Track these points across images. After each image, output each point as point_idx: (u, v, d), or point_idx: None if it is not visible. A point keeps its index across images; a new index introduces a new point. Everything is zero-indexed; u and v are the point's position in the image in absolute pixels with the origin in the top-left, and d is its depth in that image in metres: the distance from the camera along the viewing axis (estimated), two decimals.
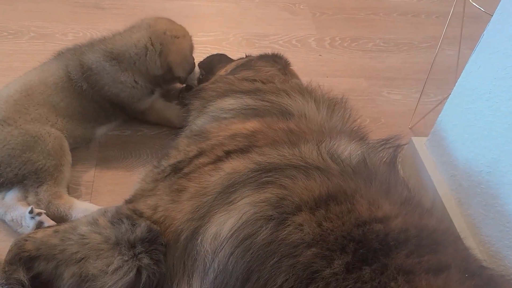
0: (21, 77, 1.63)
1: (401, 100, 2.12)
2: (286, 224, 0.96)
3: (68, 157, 1.53)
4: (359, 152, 1.19)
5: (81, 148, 1.69)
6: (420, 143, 1.59)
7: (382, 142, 1.27)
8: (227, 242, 1.00)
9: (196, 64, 1.94)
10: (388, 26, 2.60)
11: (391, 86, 2.19)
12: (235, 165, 1.17)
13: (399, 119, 2.00)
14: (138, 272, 1.09)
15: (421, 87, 1.93)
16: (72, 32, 2.27)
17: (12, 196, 1.45)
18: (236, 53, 2.20)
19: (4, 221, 1.44)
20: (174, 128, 1.76)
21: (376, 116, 2.01)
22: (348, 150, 1.20)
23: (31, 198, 1.43)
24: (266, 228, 0.97)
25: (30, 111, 1.52)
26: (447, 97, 1.50)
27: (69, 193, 1.52)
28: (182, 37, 1.70)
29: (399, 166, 1.28)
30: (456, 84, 1.42)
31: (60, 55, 1.69)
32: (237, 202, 1.05)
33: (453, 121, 1.43)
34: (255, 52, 2.05)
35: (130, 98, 1.68)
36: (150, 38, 1.62)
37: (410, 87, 2.19)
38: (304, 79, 1.77)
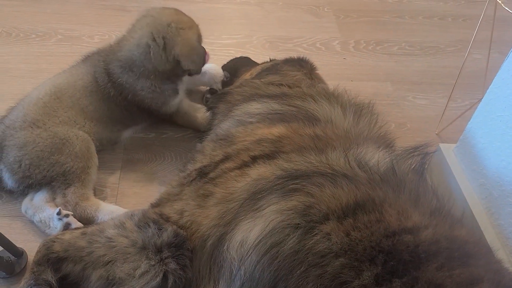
0: (50, 79, 1.66)
1: (427, 105, 2.08)
2: (314, 233, 0.96)
3: (95, 160, 1.55)
4: (387, 159, 1.18)
5: (106, 150, 1.71)
6: (448, 150, 1.57)
7: (411, 150, 1.25)
8: (253, 249, 1.00)
9: (220, 67, 1.95)
10: (414, 29, 2.57)
11: (417, 90, 2.16)
12: (262, 171, 1.16)
13: (425, 125, 1.97)
14: (165, 277, 1.10)
15: (447, 92, 1.90)
16: (99, 34, 2.30)
17: (40, 197, 1.47)
18: (259, 55, 2.20)
19: (32, 222, 1.46)
20: (199, 131, 1.76)
21: (402, 121, 1.98)
22: (375, 157, 1.18)
23: (58, 199, 1.46)
24: (293, 237, 0.97)
25: (59, 113, 1.54)
26: (476, 103, 1.47)
27: (95, 195, 1.54)
28: (188, 28, 1.61)
29: (427, 174, 1.25)
30: (487, 91, 1.39)
31: (87, 58, 1.70)
32: (264, 209, 1.05)
33: (484, 128, 1.40)
34: (279, 55, 2.04)
35: (155, 103, 1.68)
36: (152, 33, 1.56)
37: (436, 91, 2.15)
38: (329, 82, 1.76)
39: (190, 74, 1.72)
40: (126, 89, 1.62)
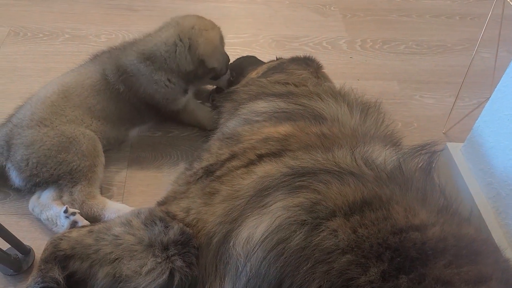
0: (58, 78, 1.66)
1: (434, 104, 2.07)
2: (320, 230, 0.96)
3: (102, 158, 1.56)
4: (394, 158, 1.17)
5: (113, 149, 1.72)
6: (455, 149, 1.56)
7: (418, 148, 1.24)
8: (259, 246, 1.00)
9: None
10: (421, 28, 2.55)
11: (424, 89, 2.14)
12: (268, 169, 1.16)
13: (432, 124, 1.96)
14: (171, 274, 1.10)
15: (455, 91, 1.88)
16: (105, 33, 2.31)
17: (47, 195, 1.48)
18: (266, 55, 2.20)
19: (39, 220, 1.47)
20: (205, 130, 1.76)
21: (409, 121, 1.97)
22: (382, 155, 1.18)
23: (65, 197, 1.46)
24: (299, 233, 0.97)
25: (66, 112, 1.54)
26: (484, 102, 1.46)
27: (101, 194, 1.54)
28: (211, 29, 1.70)
29: (434, 173, 1.25)
30: (495, 89, 1.38)
31: (96, 58, 1.71)
32: (270, 206, 1.05)
33: (492, 127, 1.39)
34: (285, 54, 2.04)
35: (165, 99, 1.69)
36: (179, 35, 1.64)
37: (443, 90, 2.14)
38: (335, 81, 1.76)
39: (215, 77, 1.79)
40: (138, 82, 1.63)
